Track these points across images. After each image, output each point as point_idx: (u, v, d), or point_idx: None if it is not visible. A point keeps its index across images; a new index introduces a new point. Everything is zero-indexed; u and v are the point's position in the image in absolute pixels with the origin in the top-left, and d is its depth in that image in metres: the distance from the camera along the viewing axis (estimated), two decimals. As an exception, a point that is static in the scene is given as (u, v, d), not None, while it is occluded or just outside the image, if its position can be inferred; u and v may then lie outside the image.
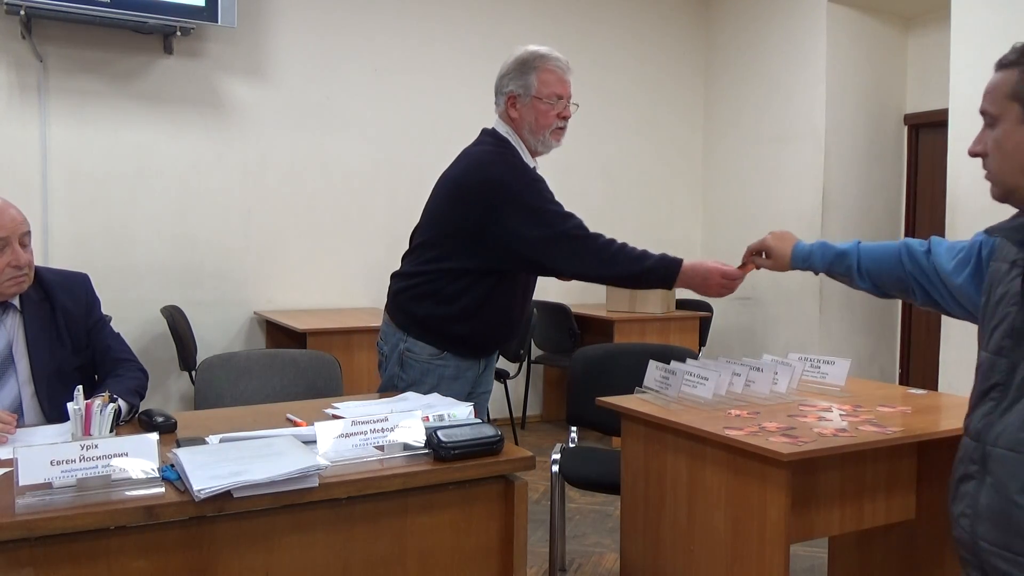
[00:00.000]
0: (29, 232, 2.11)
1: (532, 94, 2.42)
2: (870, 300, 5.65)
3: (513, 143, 2.47)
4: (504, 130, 2.48)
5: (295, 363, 2.71)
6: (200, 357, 4.19)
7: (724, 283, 2.35)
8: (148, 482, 1.49)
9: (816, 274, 2.13)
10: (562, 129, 2.49)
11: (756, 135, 5.92)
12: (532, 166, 2.48)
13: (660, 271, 2.35)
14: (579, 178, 5.93)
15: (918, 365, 5.69)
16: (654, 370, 2.40)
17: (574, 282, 5.89)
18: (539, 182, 2.44)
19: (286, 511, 1.56)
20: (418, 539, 1.71)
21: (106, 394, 1.81)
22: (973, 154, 1.48)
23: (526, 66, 2.44)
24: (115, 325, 2.39)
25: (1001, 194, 1.45)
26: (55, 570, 1.40)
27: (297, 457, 1.58)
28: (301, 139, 5.02)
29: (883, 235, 5.69)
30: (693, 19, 6.32)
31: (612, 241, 2.38)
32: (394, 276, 2.56)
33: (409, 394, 2.32)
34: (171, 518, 1.46)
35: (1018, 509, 1.33)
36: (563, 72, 2.46)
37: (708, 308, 5.66)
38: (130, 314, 4.52)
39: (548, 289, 5.77)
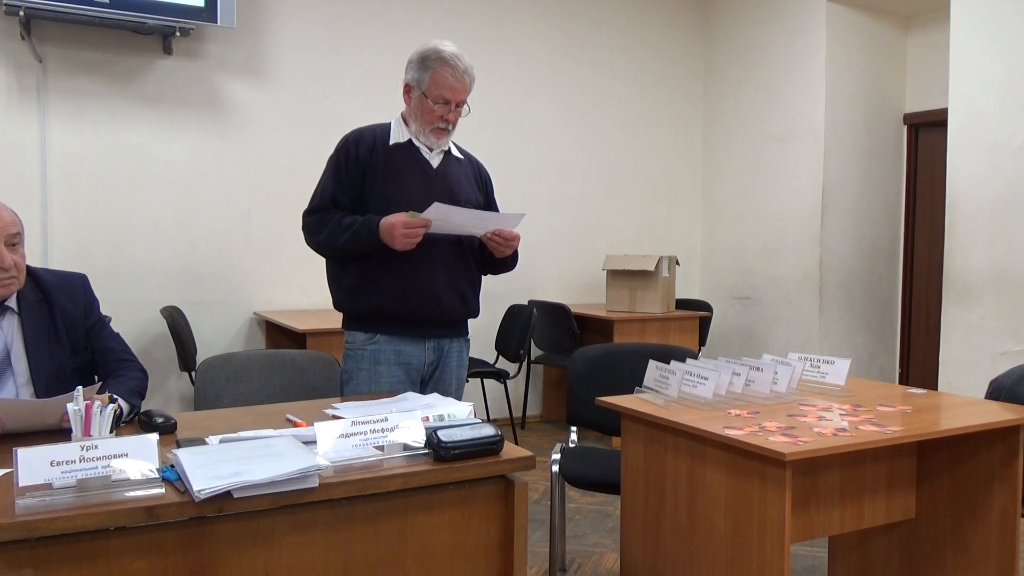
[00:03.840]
0: (20, 233, 2.08)
1: (423, 90, 2.50)
2: (870, 300, 5.66)
3: (394, 124, 2.59)
4: (400, 111, 2.61)
5: (295, 363, 2.71)
6: (200, 357, 4.19)
7: (405, 232, 2.38)
8: (148, 483, 1.49)
9: None
10: (444, 130, 2.55)
11: (756, 135, 5.92)
12: (405, 139, 2.56)
13: (363, 230, 2.44)
14: (579, 178, 5.94)
15: (918, 365, 5.69)
16: (654, 370, 2.40)
17: (573, 281, 5.92)
18: (338, 153, 2.56)
19: (286, 511, 1.56)
20: (418, 539, 1.71)
21: (106, 395, 1.81)
22: None
23: (425, 62, 2.50)
24: (115, 325, 2.39)
25: None
26: (55, 571, 1.39)
27: (297, 457, 1.58)
28: (301, 139, 5.02)
29: (883, 235, 5.69)
30: (693, 19, 6.32)
31: (335, 217, 2.49)
32: None
33: (409, 394, 2.32)
34: (171, 519, 1.46)
35: None
36: (457, 78, 2.49)
37: (708, 308, 5.67)
38: (130, 314, 4.52)
39: (548, 289, 5.79)
